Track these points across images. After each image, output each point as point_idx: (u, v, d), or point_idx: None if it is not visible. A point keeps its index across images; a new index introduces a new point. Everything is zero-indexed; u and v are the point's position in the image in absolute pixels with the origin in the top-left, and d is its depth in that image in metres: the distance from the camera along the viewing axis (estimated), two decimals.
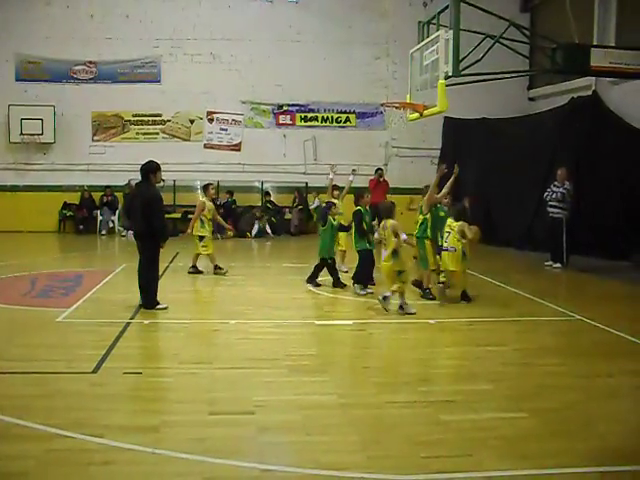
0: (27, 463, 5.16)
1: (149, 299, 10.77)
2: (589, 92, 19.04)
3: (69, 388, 6.99)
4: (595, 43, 17.86)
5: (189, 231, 14.56)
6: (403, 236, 10.67)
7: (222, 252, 16.82)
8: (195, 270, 14.51)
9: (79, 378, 7.32)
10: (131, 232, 22.49)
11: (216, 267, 14.42)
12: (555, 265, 16.18)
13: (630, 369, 8.10)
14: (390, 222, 11.00)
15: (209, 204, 14.68)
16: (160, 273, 11.29)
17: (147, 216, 10.60)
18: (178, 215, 23.08)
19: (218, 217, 15.68)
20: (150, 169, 10.83)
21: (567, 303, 11.82)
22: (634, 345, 9.09)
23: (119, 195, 22.83)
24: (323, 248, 13.00)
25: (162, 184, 11.77)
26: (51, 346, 8.69)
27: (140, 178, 10.93)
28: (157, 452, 5.38)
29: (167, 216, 22.29)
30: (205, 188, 15.15)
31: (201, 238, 14.41)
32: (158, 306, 10.75)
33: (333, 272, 13.05)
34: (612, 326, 9.92)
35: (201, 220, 14.46)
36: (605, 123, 17.89)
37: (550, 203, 16.26)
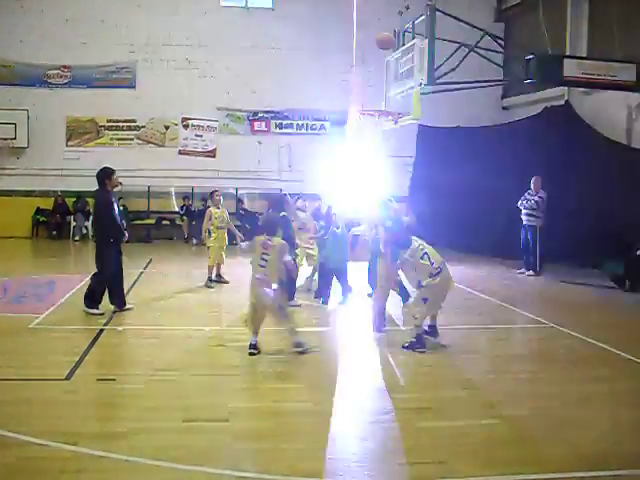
0: None
1: (91, 299, 10.81)
2: (562, 102, 19.25)
3: (42, 395, 6.94)
4: (568, 53, 18.08)
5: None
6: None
7: (199, 258, 16.73)
8: (220, 279, 14.17)
9: (52, 385, 7.27)
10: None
11: (210, 279, 13.90)
12: (528, 273, 16.31)
13: (601, 375, 8.19)
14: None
15: (217, 211, 14.02)
16: (134, 278, 11.23)
17: (99, 221, 10.97)
18: (152, 221, 23.02)
19: (231, 225, 14.37)
20: (105, 175, 10.95)
21: (540, 311, 11.93)
22: (605, 352, 9.19)
23: (92, 201, 22.68)
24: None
25: (120, 188, 11.78)
26: (24, 352, 8.63)
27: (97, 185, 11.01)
28: (130, 459, 5.36)
29: (140, 222, 22.34)
30: (211, 195, 14.59)
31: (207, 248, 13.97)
32: (95, 310, 10.72)
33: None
34: (584, 333, 10.02)
35: (208, 230, 13.91)
36: (577, 132, 18.10)
37: (524, 211, 16.41)
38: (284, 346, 9.23)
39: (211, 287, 13.77)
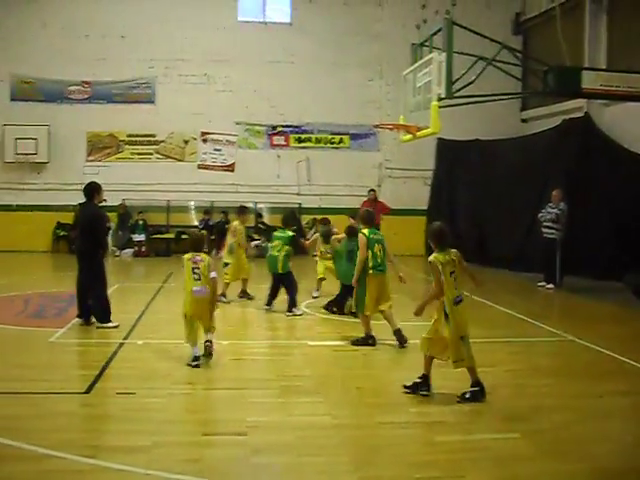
0: None
1: (102, 314, 10.84)
2: (581, 114, 19.18)
3: (62, 408, 6.98)
4: (586, 65, 18.04)
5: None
6: None
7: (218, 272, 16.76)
8: (245, 295, 13.98)
9: (72, 398, 7.31)
10: (125, 252, 22.68)
11: (223, 295, 13.33)
12: (548, 286, 16.23)
13: (621, 389, 8.13)
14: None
15: (241, 228, 13.77)
16: (154, 292, 11.27)
17: (90, 234, 10.90)
18: (172, 235, 23.14)
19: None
20: (95, 189, 11.09)
21: (560, 324, 11.85)
22: (626, 366, 9.11)
23: (112, 215, 22.85)
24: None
25: (104, 203, 11.89)
26: (44, 366, 8.68)
27: (84, 199, 11.11)
28: (150, 473, 5.37)
29: (160, 236, 22.46)
30: (242, 211, 14.27)
31: (225, 264, 13.65)
32: (109, 324, 10.78)
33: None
34: (604, 347, 9.95)
35: (230, 246, 13.66)
36: (597, 144, 18.01)
37: (544, 224, 16.34)
38: (300, 361, 9.27)
39: (225, 302, 13.35)
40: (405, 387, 7.65)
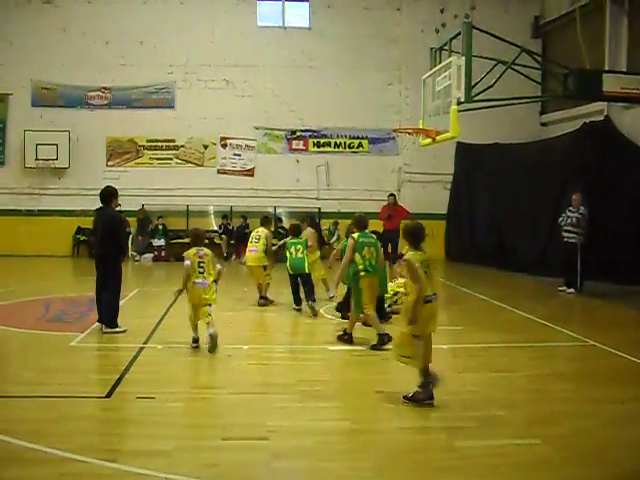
0: None
1: (111, 320, 10.84)
2: (601, 117, 19.08)
3: (82, 412, 7.01)
4: (607, 68, 17.93)
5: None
6: None
7: (237, 276, 16.82)
8: (265, 301, 14.00)
9: (92, 402, 7.35)
10: (145, 256, 22.77)
11: (263, 297, 13.96)
12: (569, 290, 16.13)
13: None
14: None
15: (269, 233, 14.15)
16: (174, 298, 11.29)
17: (111, 238, 10.91)
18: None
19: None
20: (112, 194, 11.15)
21: (580, 328, 11.77)
22: None
23: (132, 220, 22.98)
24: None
25: (119, 208, 11.96)
26: (65, 370, 8.72)
27: (101, 203, 11.17)
28: (170, 477, 5.38)
29: (180, 241, 22.56)
30: (267, 220, 14.72)
31: (265, 267, 13.86)
32: (117, 329, 10.79)
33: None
34: (625, 352, 9.87)
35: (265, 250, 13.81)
36: (617, 148, 17.91)
37: (565, 228, 16.23)
38: (321, 366, 9.28)
39: (270, 302, 13.99)
40: (404, 398, 7.48)
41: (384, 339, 10.06)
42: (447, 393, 8.07)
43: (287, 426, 6.71)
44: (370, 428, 6.74)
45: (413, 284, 7.30)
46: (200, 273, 9.79)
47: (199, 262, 9.84)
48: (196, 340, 9.85)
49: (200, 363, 9.30)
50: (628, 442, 6.48)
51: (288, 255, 13.04)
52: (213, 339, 9.52)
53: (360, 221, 10.73)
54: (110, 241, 10.93)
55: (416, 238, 7.81)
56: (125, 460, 5.67)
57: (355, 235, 10.36)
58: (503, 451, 6.12)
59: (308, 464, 5.82)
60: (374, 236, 10.68)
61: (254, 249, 13.80)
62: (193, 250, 9.97)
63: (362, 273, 10.09)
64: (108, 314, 10.88)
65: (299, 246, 13.03)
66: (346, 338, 10.41)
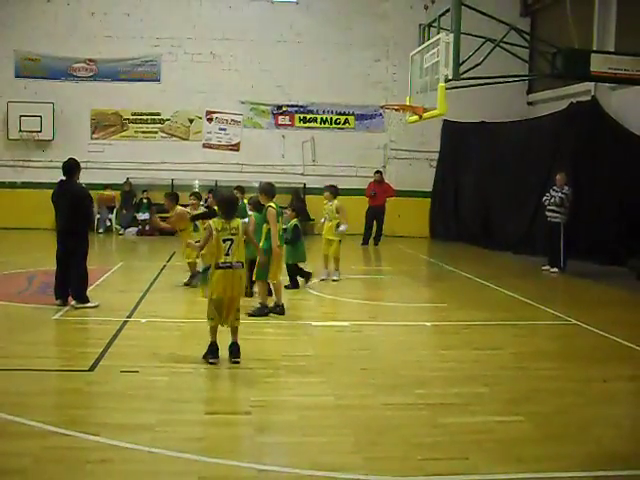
0: (24, 460, 5.16)
1: (81, 295, 10.65)
2: (588, 97, 19.09)
3: (66, 386, 7.01)
4: (595, 48, 17.93)
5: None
6: None
7: None
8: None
9: (76, 376, 7.33)
10: (129, 230, 22.66)
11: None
12: (552, 270, 16.20)
13: (625, 374, 8.14)
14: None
15: None
16: (157, 272, 11.28)
17: (76, 211, 10.68)
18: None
19: None
20: (74, 167, 10.98)
21: (564, 308, 11.84)
22: (629, 350, 9.11)
23: (117, 193, 22.86)
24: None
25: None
26: (48, 343, 8.71)
27: (63, 176, 10.95)
28: (153, 451, 5.38)
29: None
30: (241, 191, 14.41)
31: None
32: (88, 304, 10.62)
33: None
34: (608, 331, 9.94)
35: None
36: (603, 128, 17.94)
37: (548, 207, 16.28)
38: (304, 341, 9.31)
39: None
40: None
41: (268, 310, 10.50)
42: (431, 370, 8.13)
43: (271, 401, 6.73)
44: (354, 404, 6.76)
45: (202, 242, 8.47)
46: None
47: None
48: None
49: (184, 338, 9.28)
50: (610, 420, 6.54)
51: None
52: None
53: (270, 190, 10.85)
54: (75, 215, 10.66)
55: (227, 208, 8.07)
56: (109, 434, 5.66)
57: (273, 204, 10.58)
58: (486, 428, 6.16)
59: (292, 439, 5.83)
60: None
61: None
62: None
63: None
64: (78, 289, 10.66)
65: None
66: (266, 312, 10.50)
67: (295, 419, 6.23)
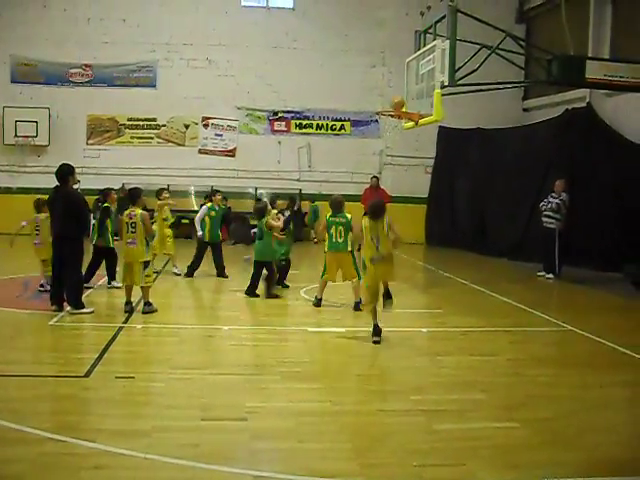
0: (20, 466, 5.15)
1: (77, 301, 10.59)
2: (583, 104, 19.12)
3: (61, 392, 6.98)
4: (590, 55, 17.97)
5: None
6: None
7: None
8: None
9: (71, 382, 7.30)
10: None
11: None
12: (548, 275, 16.22)
13: (621, 380, 8.14)
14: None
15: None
16: (154, 277, 11.27)
17: (72, 217, 10.63)
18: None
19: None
20: (69, 172, 10.96)
21: (559, 314, 11.85)
22: (625, 356, 9.12)
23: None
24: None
25: (77, 185, 11.78)
26: (44, 349, 8.69)
27: (57, 182, 10.93)
28: (149, 457, 5.37)
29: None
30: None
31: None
32: (83, 310, 10.55)
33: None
34: (603, 337, 9.95)
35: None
36: (599, 135, 17.96)
37: (545, 213, 16.31)
38: (300, 347, 9.31)
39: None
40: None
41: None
42: (427, 376, 8.13)
43: (267, 407, 6.72)
44: (350, 410, 6.76)
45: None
46: (132, 233, 10.72)
47: (130, 223, 10.75)
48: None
49: (180, 343, 9.27)
50: (605, 426, 6.55)
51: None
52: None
53: (333, 203, 11.75)
54: (70, 221, 10.60)
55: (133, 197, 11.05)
56: (104, 440, 5.65)
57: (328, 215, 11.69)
58: (482, 434, 6.16)
59: (288, 445, 5.83)
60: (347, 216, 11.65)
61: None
62: (127, 211, 10.92)
63: (326, 249, 11.69)
64: (73, 295, 10.60)
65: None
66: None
67: (291, 425, 6.23)
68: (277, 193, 18.40)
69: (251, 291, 12.64)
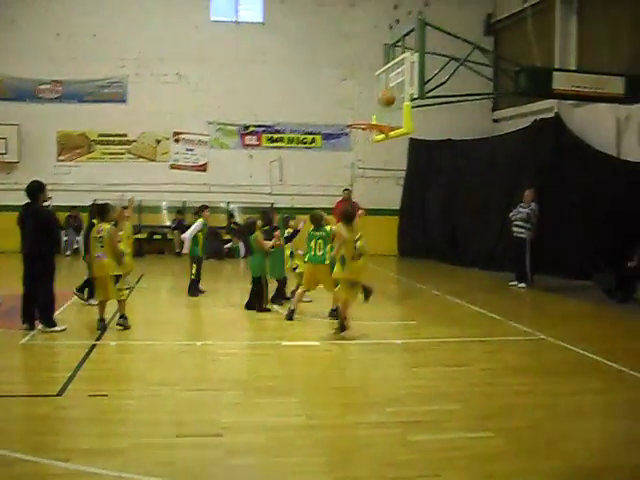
0: None
1: (49, 319, 10.50)
2: (551, 114, 19.32)
3: (34, 411, 6.91)
4: (557, 66, 18.18)
5: None
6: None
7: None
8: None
9: (44, 401, 7.23)
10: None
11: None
12: (520, 285, 16.34)
13: (594, 387, 8.20)
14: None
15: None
16: (126, 294, 11.20)
17: (43, 234, 10.58)
18: (144, 235, 22.91)
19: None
20: (39, 189, 10.87)
21: (532, 322, 11.93)
22: (597, 364, 9.20)
23: (84, 216, 22.66)
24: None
25: (49, 203, 11.71)
26: (15, 369, 8.60)
27: (28, 199, 10.83)
28: (124, 475, 5.32)
29: (134, 237, 22.26)
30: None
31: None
32: (55, 328, 10.45)
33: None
34: (576, 345, 10.04)
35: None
36: (567, 144, 18.15)
37: (515, 223, 16.46)
38: (275, 361, 9.29)
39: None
40: None
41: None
42: (401, 387, 8.14)
43: (241, 422, 6.69)
44: (325, 423, 6.75)
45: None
46: (100, 247, 10.72)
47: (98, 237, 10.73)
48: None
49: (154, 360, 9.21)
50: (579, 434, 6.60)
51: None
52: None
53: (313, 218, 12.07)
54: (42, 238, 10.54)
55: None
56: (78, 459, 5.59)
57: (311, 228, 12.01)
58: (457, 444, 6.18)
59: (263, 460, 5.81)
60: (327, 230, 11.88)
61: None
62: (96, 227, 10.92)
63: (305, 259, 12.06)
64: (45, 312, 10.52)
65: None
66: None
67: (266, 440, 6.20)
68: (272, 208, 18.35)
69: (259, 306, 12.65)
